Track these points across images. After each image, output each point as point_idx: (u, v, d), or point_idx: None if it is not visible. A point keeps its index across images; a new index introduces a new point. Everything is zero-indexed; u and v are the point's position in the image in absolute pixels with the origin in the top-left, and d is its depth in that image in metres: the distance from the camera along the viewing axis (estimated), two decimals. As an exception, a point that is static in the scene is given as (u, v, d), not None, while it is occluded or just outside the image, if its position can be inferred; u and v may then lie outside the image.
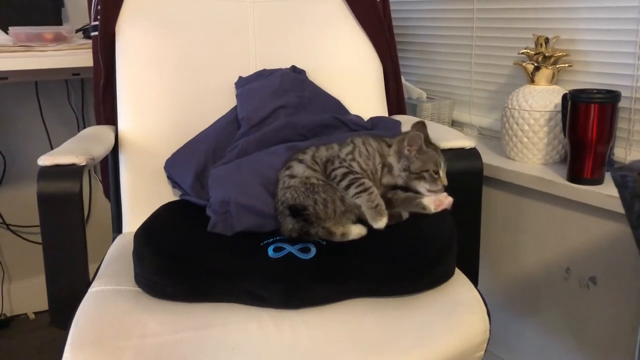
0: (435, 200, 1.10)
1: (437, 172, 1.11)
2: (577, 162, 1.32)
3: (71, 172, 1.02)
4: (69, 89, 2.02)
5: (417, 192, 1.12)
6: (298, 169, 1.11)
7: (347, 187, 1.08)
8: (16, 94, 1.95)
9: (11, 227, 2.01)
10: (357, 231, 1.07)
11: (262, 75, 1.39)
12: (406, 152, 1.11)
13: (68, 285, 1.03)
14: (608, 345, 1.35)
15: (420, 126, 1.21)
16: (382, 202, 1.07)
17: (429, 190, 1.11)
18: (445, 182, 1.11)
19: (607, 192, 1.26)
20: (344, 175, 1.09)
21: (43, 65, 1.51)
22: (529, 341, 1.54)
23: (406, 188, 1.13)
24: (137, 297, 0.97)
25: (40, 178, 1.00)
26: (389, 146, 1.15)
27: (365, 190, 1.07)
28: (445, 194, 1.11)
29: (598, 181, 1.31)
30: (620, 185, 0.67)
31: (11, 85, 1.92)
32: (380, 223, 1.05)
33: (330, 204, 1.06)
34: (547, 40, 1.44)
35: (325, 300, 0.96)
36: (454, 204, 1.10)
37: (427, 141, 1.15)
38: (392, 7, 1.61)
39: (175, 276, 0.96)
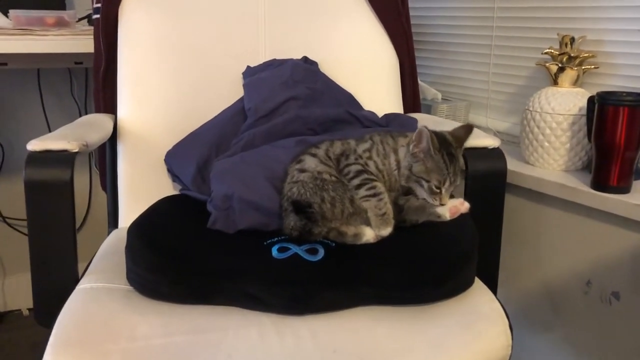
0: (451, 207, 1.02)
1: (438, 188, 1.01)
2: (603, 169, 1.26)
3: (62, 158, 0.95)
4: (72, 78, 1.97)
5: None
6: (310, 162, 1.04)
7: (358, 186, 1.01)
8: (17, 82, 1.91)
9: (7, 220, 1.96)
10: (371, 234, 0.99)
11: (272, 65, 1.33)
12: (412, 148, 1.03)
13: (55, 281, 0.96)
14: (630, 366, 1.28)
15: (463, 130, 1.09)
16: (390, 211, 1.00)
17: (427, 200, 1.03)
18: (445, 202, 1.02)
19: (634, 202, 1.20)
20: (358, 172, 1.02)
21: (43, 49, 1.46)
22: (545, 357, 1.48)
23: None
24: (128, 296, 0.90)
25: (29, 164, 0.93)
26: (405, 137, 1.07)
27: (375, 195, 1.00)
28: (461, 200, 1.04)
29: (625, 189, 1.25)
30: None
31: (12, 72, 1.88)
32: (384, 232, 0.99)
33: (339, 204, 0.99)
34: (572, 40, 1.38)
35: (333, 307, 0.89)
36: (474, 207, 1.02)
37: (450, 148, 1.04)
38: (409, 4, 1.55)
39: (170, 274, 0.89)
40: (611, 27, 1.37)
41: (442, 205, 1.02)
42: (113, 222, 1.29)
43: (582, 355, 1.39)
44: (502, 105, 1.69)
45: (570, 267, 1.39)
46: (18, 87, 1.91)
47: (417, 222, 1.03)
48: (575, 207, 1.35)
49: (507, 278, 1.55)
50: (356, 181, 1.01)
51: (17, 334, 1.90)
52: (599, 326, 1.34)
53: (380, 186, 1.01)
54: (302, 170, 1.03)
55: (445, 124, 1.30)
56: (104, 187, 1.41)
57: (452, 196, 1.06)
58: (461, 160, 1.06)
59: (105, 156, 1.35)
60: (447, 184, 1.01)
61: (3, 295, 2.02)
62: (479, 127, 1.74)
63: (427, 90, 1.78)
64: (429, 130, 1.00)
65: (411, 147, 1.03)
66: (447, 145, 1.04)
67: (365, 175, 1.01)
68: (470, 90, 1.78)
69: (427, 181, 1.01)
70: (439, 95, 1.79)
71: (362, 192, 1.00)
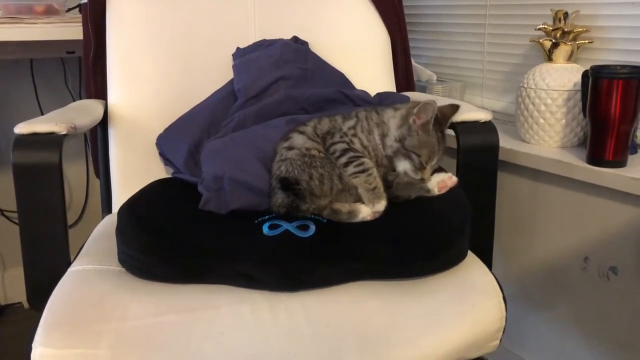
0: (440, 182, 1.02)
1: (426, 162, 1.01)
2: (598, 143, 1.25)
3: (50, 141, 0.95)
4: (65, 68, 1.96)
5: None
6: (298, 140, 1.03)
7: (346, 164, 1.00)
8: (10, 73, 1.89)
9: (5, 213, 1.95)
10: (367, 211, 0.97)
11: (262, 45, 1.32)
12: (411, 121, 1.02)
13: (47, 265, 0.96)
14: (629, 340, 1.28)
15: (450, 108, 1.09)
16: (380, 185, 0.99)
17: (409, 173, 1.02)
18: (427, 177, 1.02)
19: (630, 175, 1.19)
20: (344, 151, 1.01)
21: (32, 37, 1.44)
22: (544, 335, 1.47)
23: None
24: (120, 277, 0.89)
25: (16, 147, 0.93)
26: (395, 110, 1.06)
27: (364, 170, 0.99)
28: (449, 174, 1.03)
29: (621, 163, 1.24)
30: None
31: (4, 64, 1.86)
32: (379, 206, 0.97)
33: (327, 181, 0.98)
34: (566, 15, 1.37)
35: (326, 283, 0.88)
36: (467, 181, 1.02)
37: (442, 125, 1.05)
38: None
39: (161, 254, 0.89)
40: (604, 1, 1.36)
41: (423, 180, 1.02)
42: (107, 208, 1.28)
43: (582, 331, 1.38)
44: (498, 85, 1.68)
45: (568, 243, 1.38)
46: (11, 78, 1.90)
47: (409, 198, 1.02)
48: (571, 183, 1.34)
49: (504, 256, 1.54)
50: (343, 159, 1.00)
51: (18, 326, 1.89)
52: (598, 302, 1.33)
53: (368, 162, 1.01)
54: (290, 148, 1.02)
55: (440, 102, 1.29)
56: (97, 174, 1.40)
57: (441, 169, 1.05)
58: (446, 139, 1.06)
59: (97, 142, 1.34)
60: (434, 161, 1.02)
61: (3, 288, 2.01)
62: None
63: (422, 72, 1.77)
64: (435, 103, 1.00)
65: (411, 119, 1.02)
66: (440, 122, 1.04)
67: (352, 153, 1.01)
68: (465, 70, 1.77)
69: (418, 155, 1.01)
70: (434, 77, 1.78)
71: (351, 169, 0.99)
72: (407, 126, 1.02)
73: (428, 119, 1.00)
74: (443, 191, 1.01)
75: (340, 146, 1.02)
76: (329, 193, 0.98)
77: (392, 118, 1.05)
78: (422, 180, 1.02)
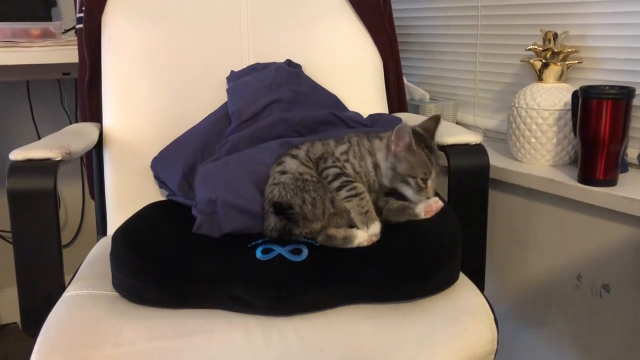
0: (426, 206, 1.02)
1: (425, 180, 1.01)
2: (589, 163, 1.26)
3: (45, 167, 0.95)
4: (62, 89, 1.97)
5: (403, 195, 1.04)
6: (291, 164, 1.04)
7: (338, 188, 1.01)
8: (6, 95, 1.91)
9: (0, 233, 1.94)
10: (364, 236, 0.97)
11: (255, 69, 1.33)
12: (393, 148, 1.02)
13: (42, 290, 0.96)
14: (623, 358, 1.28)
15: (432, 122, 1.11)
16: (372, 208, 1.00)
17: (413, 198, 1.03)
18: (431, 195, 1.02)
19: (621, 194, 1.20)
20: (336, 176, 1.02)
21: (28, 60, 1.46)
22: (537, 353, 1.48)
23: (399, 195, 1.05)
24: (114, 302, 0.90)
25: (11, 173, 0.93)
26: (381, 140, 1.06)
27: (357, 195, 1.00)
28: (436, 198, 1.03)
29: (611, 182, 1.25)
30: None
31: (1, 85, 1.87)
32: (373, 227, 0.97)
33: (320, 205, 0.98)
34: (555, 35, 1.39)
35: (318, 307, 0.88)
36: (459, 203, 1.03)
37: (427, 140, 1.05)
38: (393, 6, 1.55)
39: (155, 279, 0.89)
40: (593, 22, 1.38)
41: (428, 198, 1.02)
42: (102, 230, 1.29)
43: (575, 348, 1.38)
44: (490, 103, 1.69)
45: (561, 261, 1.39)
46: (8, 99, 1.91)
47: (398, 223, 1.03)
48: (563, 202, 1.35)
49: (498, 273, 1.54)
50: (336, 183, 1.01)
51: (14, 347, 1.89)
52: (591, 319, 1.33)
53: (360, 186, 1.01)
54: (283, 172, 1.03)
55: (418, 120, 1.30)
56: (92, 196, 1.41)
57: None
58: (437, 151, 1.06)
59: (92, 165, 1.35)
60: (433, 175, 1.02)
61: (-2, 308, 2.00)
62: (467, 126, 1.75)
63: (415, 91, 1.78)
64: (408, 125, 1.00)
65: (392, 147, 1.02)
66: (424, 138, 1.05)
67: (344, 178, 1.01)
68: (457, 89, 1.78)
69: (414, 177, 1.01)
70: (427, 95, 1.79)
71: (343, 193, 1.00)
72: (392, 154, 1.02)
73: (407, 141, 1.00)
74: (429, 215, 1.01)
75: (332, 171, 1.02)
76: (321, 217, 0.98)
77: (378, 150, 1.05)
78: (429, 197, 1.02)
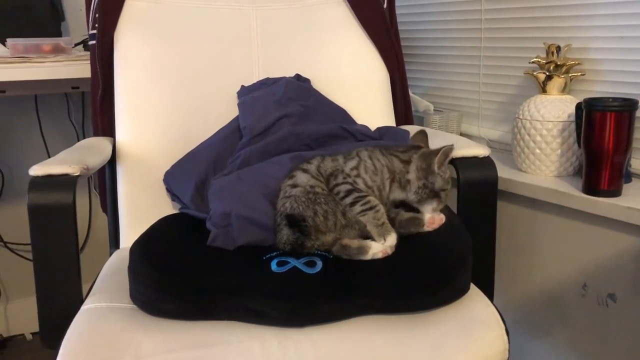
0: (430, 218, 1.05)
1: (447, 193, 1.07)
2: (593, 174, 1.28)
3: (64, 182, 0.97)
4: (69, 103, 1.99)
5: (418, 210, 1.08)
6: (302, 178, 1.06)
7: (352, 204, 1.03)
8: (15, 108, 1.93)
9: (8, 245, 1.96)
10: (378, 247, 0.98)
11: (266, 83, 1.35)
12: (436, 169, 1.05)
13: (60, 303, 0.98)
14: (629, 366, 1.29)
15: (422, 136, 1.17)
16: (387, 221, 1.02)
17: (434, 210, 1.06)
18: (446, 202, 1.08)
19: (625, 204, 1.22)
20: (348, 192, 1.04)
21: (40, 76, 1.48)
22: (544, 362, 1.48)
23: (409, 206, 1.08)
24: (132, 314, 0.92)
25: (31, 189, 0.95)
26: (403, 162, 1.08)
27: (371, 208, 1.02)
28: (440, 214, 1.07)
29: (615, 193, 1.27)
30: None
31: (10, 99, 1.90)
32: (390, 239, 0.99)
33: (332, 216, 1.00)
34: (558, 48, 1.41)
35: (333, 318, 0.90)
36: (468, 215, 1.05)
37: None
38: (397, 19, 1.58)
39: (172, 292, 0.91)
40: (595, 35, 1.40)
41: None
42: (114, 243, 1.30)
43: (582, 358, 1.39)
44: (494, 114, 1.71)
45: (566, 271, 1.40)
46: (16, 113, 1.93)
47: (408, 234, 1.05)
48: (568, 212, 1.36)
49: (504, 284, 1.56)
50: (349, 200, 1.03)
51: (21, 358, 1.89)
52: (597, 328, 1.35)
53: (373, 199, 1.03)
54: (295, 186, 1.05)
55: (439, 135, 1.33)
56: (104, 209, 1.42)
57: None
58: None
59: (104, 178, 1.36)
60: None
61: (6, 320, 2.01)
62: (471, 137, 1.77)
63: (419, 102, 1.80)
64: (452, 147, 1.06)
65: (435, 167, 1.05)
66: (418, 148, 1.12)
67: (356, 194, 1.03)
68: (461, 100, 1.80)
69: (444, 190, 1.06)
70: (431, 107, 1.81)
71: (358, 207, 1.02)
72: (430, 172, 1.06)
73: (445, 161, 1.06)
74: (430, 228, 1.04)
75: (344, 187, 1.04)
76: (333, 228, 1.00)
77: (407, 173, 1.08)
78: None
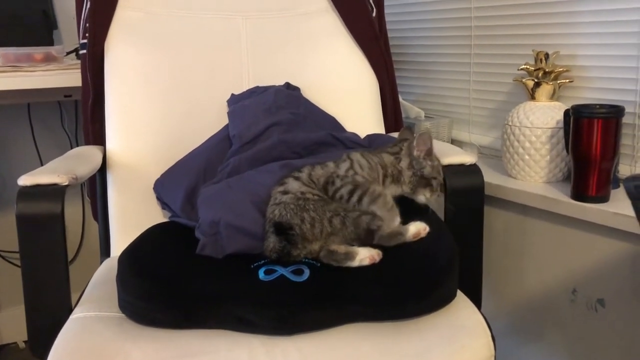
0: (415, 232, 1.04)
1: (440, 184, 1.09)
2: (582, 180, 1.29)
3: (53, 192, 0.98)
4: (62, 111, 2.00)
5: (415, 201, 1.11)
6: (293, 185, 1.07)
7: (359, 200, 1.04)
8: (7, 117, 1.93)
9: (1, 253, 1.96)
10: (365, 254, 0.98)
11: (255, 92, 1.36)
12: (415, 153, 1.09)
13: (49, 312, 0.98)
14: (619, 371, 1.30)
15: (408, 132, 1.21)
16: (394, 203, 1.06)
17: (427, 199, 1.10)
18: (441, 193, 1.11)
19: (613, 210, 1.23)
20: (351, 192, 1.05)
21: (32, 85, 1.48)
22: (535, 367, 1.49)
23: (406, 208, 1.09)
24: (121, 323, 0.92)
25: (20, 199, 0.96)
26: (393, 154, 1.13)
27: (379, 195, 1.04)
28: (424, 225, 1.05)
29: (603, 199, 1.27)
30: (634, 196, 0.63)
31: (2, 108, 1.90)
32: (396, 221, 1.04)
33: (318, 224, 1.00)
34: (547, 55, 1.42)
35: (320, 326, 0.90)
36: (455, 222, 1.05)
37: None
38: (388, 26, 1.59)
39: (161, 301, 0.91)
40: (583, 42, 1.41)
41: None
42: (105, 251, 1.30)
43: (572, 363, 1.40)
44: (484, 121, 1.72)
45: (556, 276, 1.41)
46: (9, 121, 1.93)
47: (403, 240, 1.05)
48: (557, 218, 1.37)
49: (494, 290, 1.56)
50: (354, 198, 1.04)
51: (14, 367, 1.90)
52: (587, 333, 1.35)
53: (378, 188, 1.06)
54: (285, 192, 1.05)
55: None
56: (95, 217, 1.43)
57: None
58: None
59: (95, 186, 1.37)
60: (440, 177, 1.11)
61: (-2, 328, 2.01)
62: (462, 143, 1.78)
63: (410, 109, 1.81)
64: (429, 132, 1.08)
65: (415, 152, 1.10)
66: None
67: (360, 190, 1.04)
68: (452, 107, 1.81)
69: (435, 178, 1.09)
70: (422, 113, 1.82)
71: (366, 200, 1.03)
72: (415, 160, 1.10)
73: (429, 147, 1.09)
74: (416, 238, 1.04)
75: (345, 190, 1.05)
76: (319, 236, 1.00)
77: (399, 162, 1.12)
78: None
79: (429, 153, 1.10)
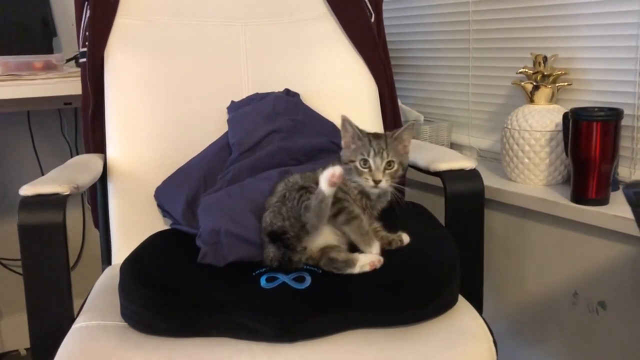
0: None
1: (366, 162, 1.05)
2: (581, 182, 1.29)
3: (54, 202, 0.98)
4: (62, 119, 2.00)
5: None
6: (278, 188, 1.09)
7: (335, 215, 1.03)
8: (7, 125, 1.93)
9: (2, 261, 1.96)
10: (366, 260, 0.98)
11: (255, 99, 1.36)
12: (342, 142, 1.10)
13: (51, 321, 0.98)
14: (621, 373, 1.30)
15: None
16: (369, 229, 1.04)
17: (359, 184, 1.06)
18: (377, 177, 1.05)
19: (613, 213, 1.23)
20: (338, 211, 1.04)
21: (32, 93, 1.49)
22: (537, 370, 1.49)
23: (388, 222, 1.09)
24: (123, 332, 0.92)
25: (22, 208, 0.96)
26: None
27: (354, 217, 1.03)
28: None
29: (603, 201, 1.28)
30: (633, 203, 0.63)
31: (2, 116, 1.90)
32: (375, 248, 1.01)
33: (292, 213, 1.01)
34: (545, 58, 1.42)
35: (322, 332, 0.90)
36: (455, 227, 1.05)
37: (380, 135, 1.10)
38: (387, 30, 1.59)
39: (163, 309, 0.91)
40: (581, 45, 1.41)
41: (375, 181, 1.05)
42: (106, 259, 1.30)
43: (574, 365, 1.40)
44: (483, 124, 1.72)
45: (557, 279, 1.41)
46: (9, 129, 1.94)
47: (402, 244, 1.06)
48: (557, 221, 1.37)
49: (495, 293, 1.56)
50: (333, 210, 1.02)
51: (16, 375, 1.91)
52: (588, 336, 1.35)
53: (355, 209, 1.04)
54: (274, 195, 1.07)
55: (426, 147, 1.34)
56: (96, 225, 1.43)
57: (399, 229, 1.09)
58: (398, 146, 1.09)
59: (96, 194, 1.37)
60: (371, 154, 1.05)
61: (0, 336, 2.01)
62: (462, 146, 1.78)
63: (409, 113, 1.81)
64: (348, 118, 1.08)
65: (342, 142, 1.09)
66: (377, 134, 1.11)
67: (338, 205, 1.03)
68: (451, 110, 1.82)
69: (353, 161, 1.06)
70: (422, 117, 1.82)
71: (342, 217, 1.03)
72: (344, 149, 1.11)
73: (351, 130, 1.08)
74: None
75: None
76: (305, 232, 1.00)
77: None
78: (375, 181, 1.04)
79: (354, 137, 1.08)
